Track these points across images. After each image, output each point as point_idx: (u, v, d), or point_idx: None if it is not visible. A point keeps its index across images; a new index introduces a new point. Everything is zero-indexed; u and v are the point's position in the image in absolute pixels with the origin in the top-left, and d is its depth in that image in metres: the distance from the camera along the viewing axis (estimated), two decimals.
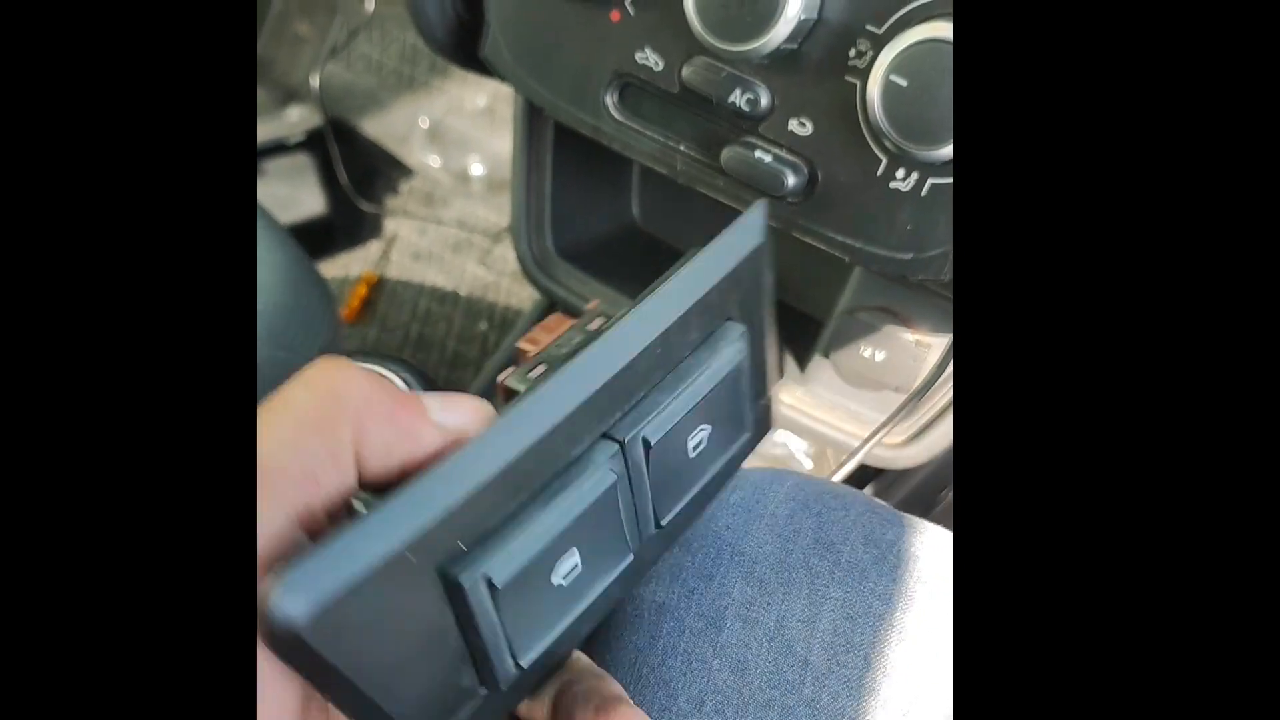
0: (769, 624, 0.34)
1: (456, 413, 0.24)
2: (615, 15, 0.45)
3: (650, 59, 0.45)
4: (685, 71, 0.44)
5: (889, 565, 0.36)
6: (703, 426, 0.29)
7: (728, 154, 0.44)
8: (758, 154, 0.44)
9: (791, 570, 0.35)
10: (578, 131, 0.50)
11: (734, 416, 0.30)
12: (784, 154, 0.43)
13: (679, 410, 0.27)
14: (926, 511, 0.68)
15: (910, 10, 0.39)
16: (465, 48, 0.53)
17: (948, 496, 0.71)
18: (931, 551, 0.37)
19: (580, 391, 0.25)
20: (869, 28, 0.40)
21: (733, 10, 0.40)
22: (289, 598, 0.20)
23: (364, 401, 0.23)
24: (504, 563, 0.23)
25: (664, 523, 0.29)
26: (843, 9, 0.40)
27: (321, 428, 0.22)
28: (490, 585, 0.23)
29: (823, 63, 0.41)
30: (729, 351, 0.28)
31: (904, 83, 0.38)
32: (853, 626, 0.34)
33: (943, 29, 0.37)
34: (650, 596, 0.36)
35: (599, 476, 0.25)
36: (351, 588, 0.20)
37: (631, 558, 0.28)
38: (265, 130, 1.15)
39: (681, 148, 0.47)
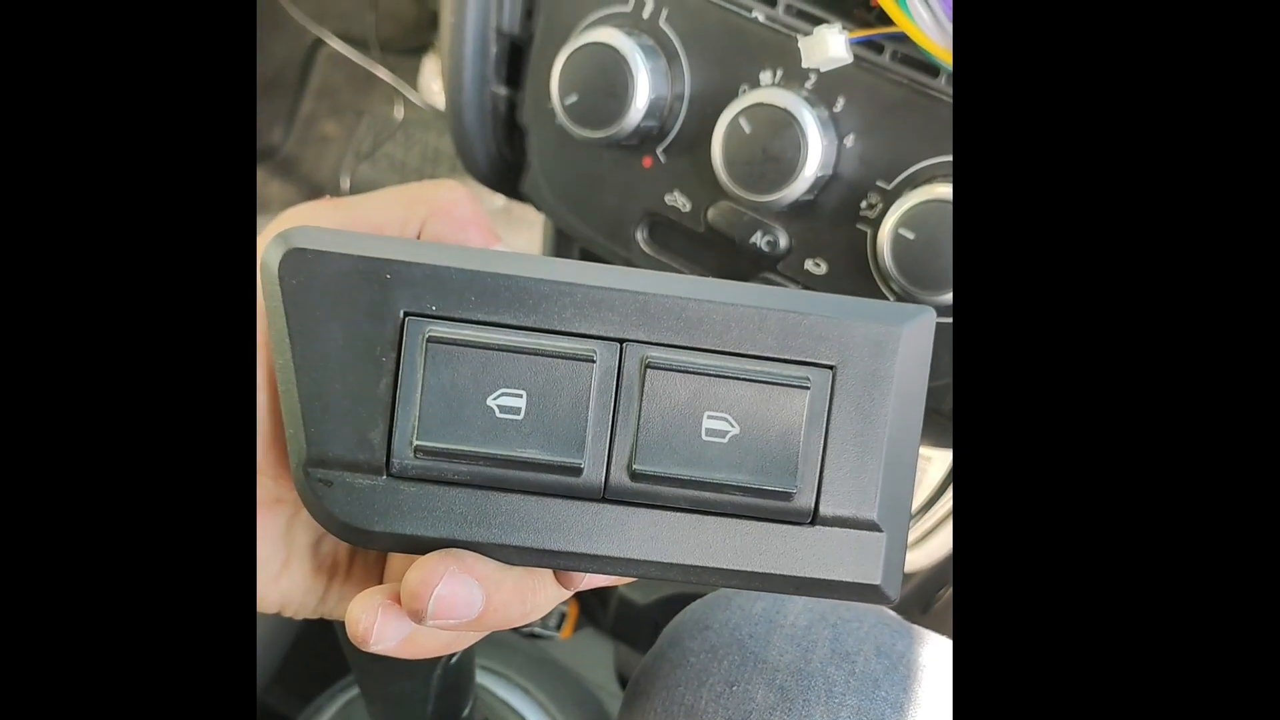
0: None
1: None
2: (648, 162, 0.50)
3: (679, 201, 0.50)
4: (711, 214, 0.49)
5: (899, 675, 0.39)
6: (725, 416, 0.26)
7: None
8: None
9: (810, 679, 0.39)
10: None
11: (774, 456, 0.26)
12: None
13: (701, 365, 0.26)
14: (925, 610, 0.72)
15: (914, 171, 0.44)
16: (506, 181, 0.57)
17: (944, 595, 0.75)
18: (937, 662, 0.40)
19: (621, 281, 0.26)
20: (879, 184, 0.45)
21: (756, 166, 0.45)
22: (288, 235, 0.25)
23: (450, 205, 0.29)
24: (450, 330, 0.25)
25: (638, 470, 0.26)
26: (855, 168, 0.45)
27: (407, 202, 0.29)
28: (429, 343, 0.25)
29: (837, 212, 0.46)
30: (794, 374, 0.26)
31: (911, 235, 0.43)
32: None
33: (944, 190, 0.42)
34: (679, 699, 0.39)
35: (581, 347, 0.26)
36: (335, 253, 0.25)
37: (582, 475, 0.26)
38: None
39: None
